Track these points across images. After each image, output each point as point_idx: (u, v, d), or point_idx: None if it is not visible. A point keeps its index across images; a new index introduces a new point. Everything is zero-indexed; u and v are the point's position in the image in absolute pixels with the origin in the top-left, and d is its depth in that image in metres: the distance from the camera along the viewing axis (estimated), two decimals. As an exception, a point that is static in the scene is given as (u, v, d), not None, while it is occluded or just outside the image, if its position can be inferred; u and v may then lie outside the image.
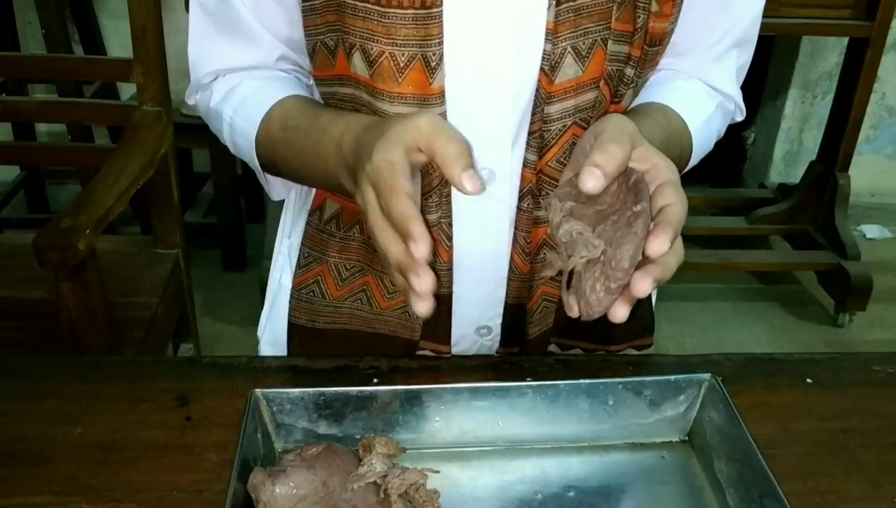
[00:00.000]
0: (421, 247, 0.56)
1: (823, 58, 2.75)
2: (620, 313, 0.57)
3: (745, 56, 0.82)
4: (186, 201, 2.54)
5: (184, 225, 1.67)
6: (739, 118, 0.87)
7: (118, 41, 2.65)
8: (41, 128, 2.66)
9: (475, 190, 0.58)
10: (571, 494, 0.66)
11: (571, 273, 0.59)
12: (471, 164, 0.58)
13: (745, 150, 3.10)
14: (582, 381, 0.69)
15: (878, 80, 2.45)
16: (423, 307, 0.58)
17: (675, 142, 0.76)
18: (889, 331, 2.43)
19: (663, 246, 0.55)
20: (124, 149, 1.44)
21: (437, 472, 0.65)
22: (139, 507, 0.63)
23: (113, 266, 1.48)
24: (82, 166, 2.13)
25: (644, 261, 0.56)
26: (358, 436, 0.67)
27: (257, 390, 0.66)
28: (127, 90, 2.47)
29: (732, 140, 3.09)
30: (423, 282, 0.56)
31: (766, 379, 0.79)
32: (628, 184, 0.60)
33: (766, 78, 2.92)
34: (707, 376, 0.69)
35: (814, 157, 2.54)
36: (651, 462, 0.69)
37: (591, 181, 0.57)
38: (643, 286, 0.55)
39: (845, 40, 2.40)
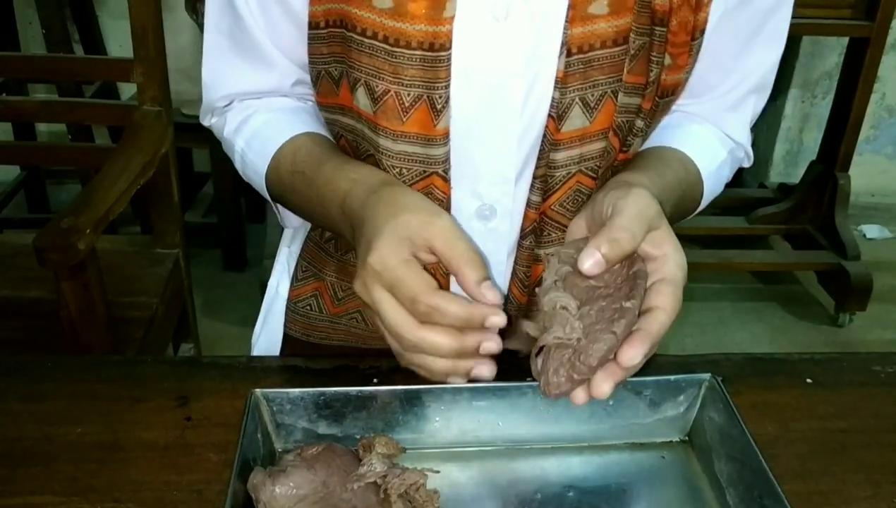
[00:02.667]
0: (501, 318, 0.58)
1: (823, 58, 2.75)
2: (580, 398, 0.57)
3: (762, 103, 0.80)
4: (186, 201, 2.54)
5: (184, 225, 1.67)
6: (747, 164, 0.85)
7: (118, 41, 2.65)
8: (41, 128, 2.66)
9: (496, 300, 0.58)
10: (571, 494, 0.66)
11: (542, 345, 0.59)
12: (487, 276, 0.59)
13: (745, 150, 3.10)
14: (582, 381, 0.69)
15: (878, 80, 2.45)
16: (487, 370, 0.61)
17: (688, 196, 0.75)
18: (889, 331, 2.43)
19: (635, 358, 0.55)
20: (124, 149, 1.44)
21: (437, 472, 0.65)
22: (139, 507, 0.63)
23: (113, 266, 1.48)
24: (82, 166, 2.13)
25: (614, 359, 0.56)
26: (358, 436, 0.67)
27: (257, 390, 0.66)
28: (127, 90, 2.47)
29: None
30: (495, 344, 0.59)
31: (766, 378, 0.79)
32: (629, 270, 0.59)
33: (766, 78, 2.92)
34: (707, 376, 0.69)
35: (814, 157, 2.53)
36: (651, 462, 0.69)
37: (589, 264, 0.57)
38: (604, 388, 0.56)
39: (845, 40, 2.40)
